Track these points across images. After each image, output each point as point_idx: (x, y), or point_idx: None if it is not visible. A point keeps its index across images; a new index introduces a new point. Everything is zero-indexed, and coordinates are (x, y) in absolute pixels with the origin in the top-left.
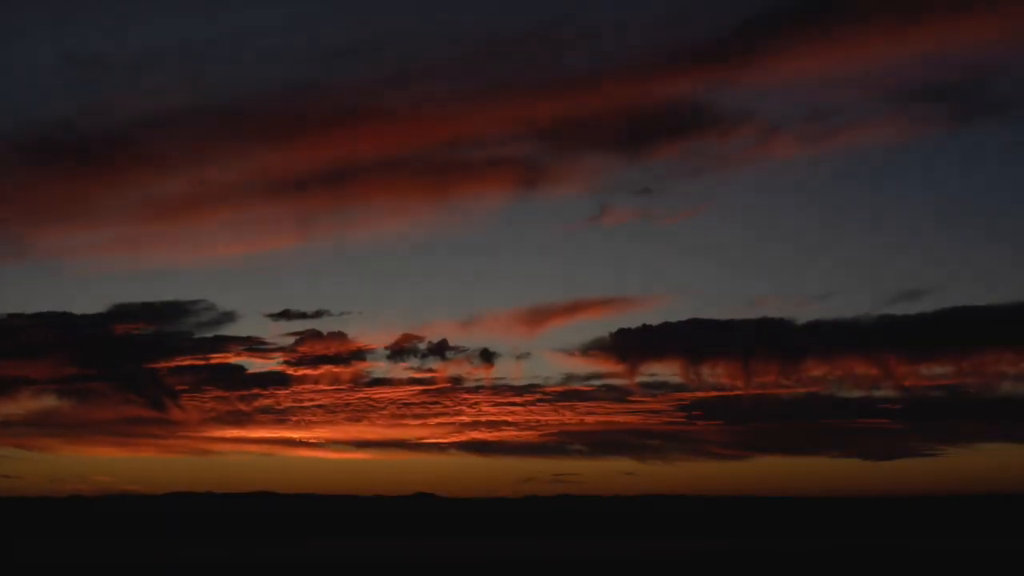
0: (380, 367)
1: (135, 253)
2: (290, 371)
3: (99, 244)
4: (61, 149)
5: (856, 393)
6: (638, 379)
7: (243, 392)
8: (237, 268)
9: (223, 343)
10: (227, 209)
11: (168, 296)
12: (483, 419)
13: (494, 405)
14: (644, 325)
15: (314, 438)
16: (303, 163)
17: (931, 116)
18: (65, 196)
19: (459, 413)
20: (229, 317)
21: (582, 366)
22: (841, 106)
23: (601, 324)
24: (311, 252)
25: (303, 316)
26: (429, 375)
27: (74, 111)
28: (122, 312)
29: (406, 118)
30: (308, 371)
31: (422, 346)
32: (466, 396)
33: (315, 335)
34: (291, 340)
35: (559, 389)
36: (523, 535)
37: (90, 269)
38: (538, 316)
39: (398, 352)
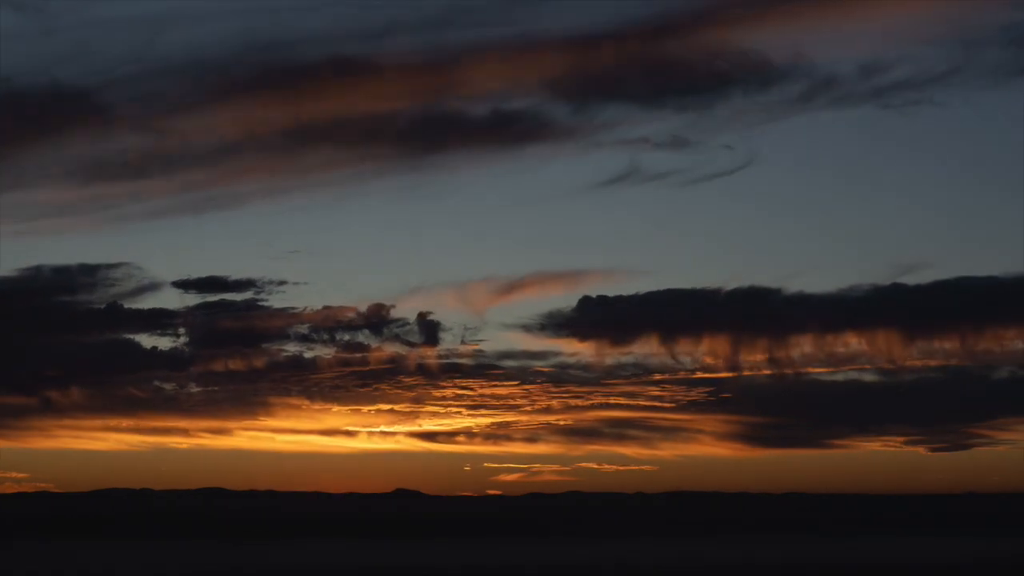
0: (305, 345)
1: (67, 216)
2: (194, 350)
3: (28, 204)
4: None
5: (852, 376)
6: (606, 358)
7: (137, 374)
8: (175, 232)
9: (122, 317)
10: (175, 171)
11: (92, 260)
12: (429, 405)
13: (439, 388)
14: (611, 295)
15: (224, 427)
16: (263, 122)
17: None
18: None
19: (398, 399)
20: (152, 285)
21: (541, 344)
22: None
23: (566, 298)
24: (259, 218)
25: (224, 286)
26: (361, 355)
27: (15, 66)
28: (29, 277)
29: (379, 75)
30: (216, 349)
31: (352, 317)
32: (405, 379)
33: (230, 307)
34: (204, 313)
35: (514, 367)
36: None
37: (15, 231)
38: (494, 288)
39: (328, 327)
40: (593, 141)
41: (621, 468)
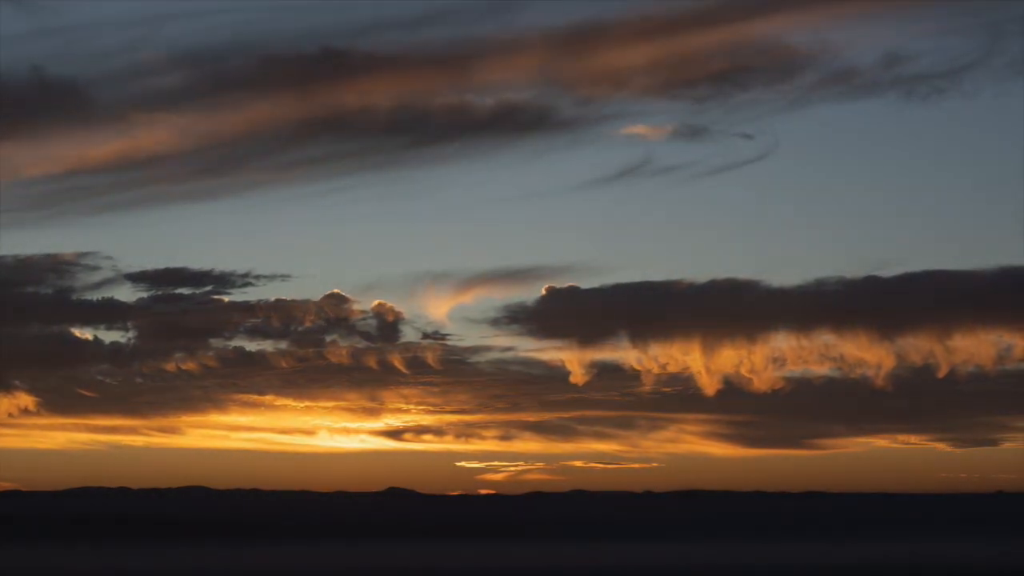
0: (259, 340)
1: (46, 208)
2: (140, 344)
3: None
4: None
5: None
6: (576, 353)
7: (79, 369)
8: (148, 224)
9: (69, 309)
10: (154, 165)
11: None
12: (390, 402)
13: (401, 385)
14: (577, 288)
15: (174, 425)
16: (252, 118)
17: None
18: None
19: (358, 396)
20: (116, 277)
21: (507, 340)
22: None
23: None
24: (233, 211)
25: (183, 279)
26: (317, 350)
27: (3, 58)
28: None
29: (370, 69)
30: (162, 343)
31: (310, 311)
32: (364, 375)
33: (185, 300)
34: (157, 306)
35: (480, 363)
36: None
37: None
38: (463, 284)
39: (284, 321)
40: (594, 134)
41: (610, 466)
